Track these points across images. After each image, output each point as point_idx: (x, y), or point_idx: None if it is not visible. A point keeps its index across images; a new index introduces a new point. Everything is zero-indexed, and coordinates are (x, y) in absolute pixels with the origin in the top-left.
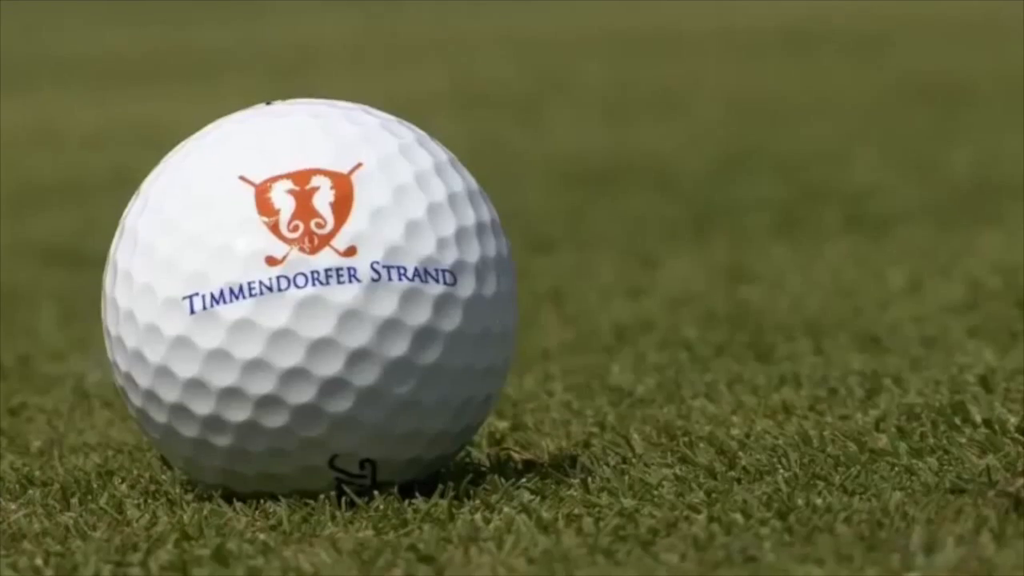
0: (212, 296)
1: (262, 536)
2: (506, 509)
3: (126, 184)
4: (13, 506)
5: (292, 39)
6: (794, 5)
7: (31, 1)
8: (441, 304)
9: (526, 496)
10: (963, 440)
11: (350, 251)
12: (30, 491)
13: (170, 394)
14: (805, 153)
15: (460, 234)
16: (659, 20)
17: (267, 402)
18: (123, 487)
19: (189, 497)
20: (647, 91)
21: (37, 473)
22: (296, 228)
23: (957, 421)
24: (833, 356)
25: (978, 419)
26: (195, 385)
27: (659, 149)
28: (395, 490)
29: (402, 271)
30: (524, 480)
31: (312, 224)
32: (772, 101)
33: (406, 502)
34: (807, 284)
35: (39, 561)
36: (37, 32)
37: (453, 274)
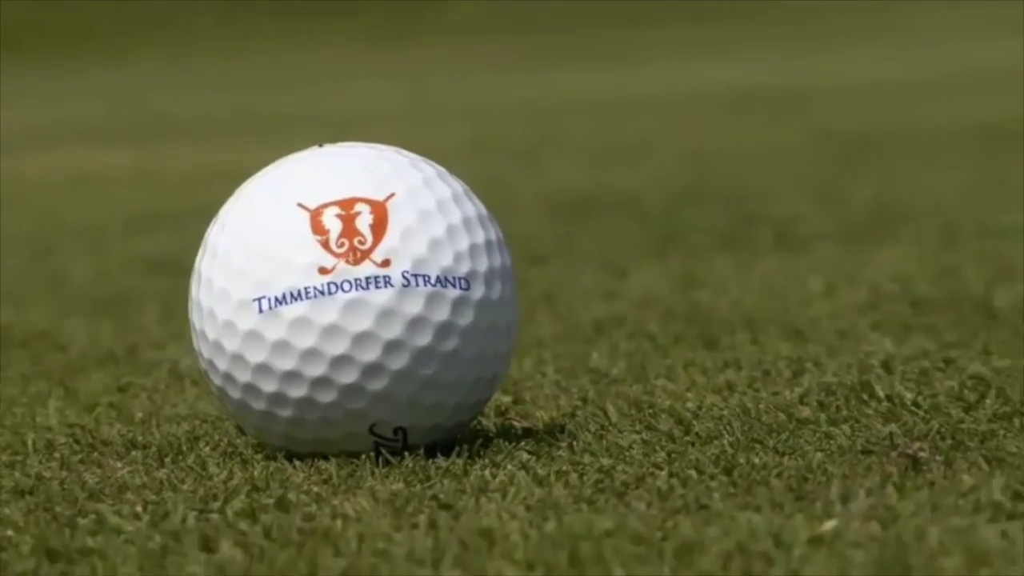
0: (276, 298)
1: (316, 488)
2: (508, 466)
3: (212, 212)
4: (119, 464)
5: (346, 102)
6: (736, 74)
7: (143, 70)
8: (458, 304)
9: (524, 456)
10: (870, 412)
11: (385, 263)
12: (133, 452)
13: (243, 376)
14: (743, 189)
15: (472, 249)
16: (631, 87)
17: (319, 382)
18: (206, 449)
19: (258, 457)
20: (622, 142)
21: (139, 438)
22: (343, 245)
23: (865, 396)
24: (766, 345)
25: (881, 395)
26: (263, 369)
27: (630, 186)
28: (421, 451)
29: (427, 278)
30: (523, 443)
31: (355, 241)
32: (718, 149)
33: (430, 461)
34: (745, 289)
35: (139, 508)
36: (148, 94)
37: (467, 281)
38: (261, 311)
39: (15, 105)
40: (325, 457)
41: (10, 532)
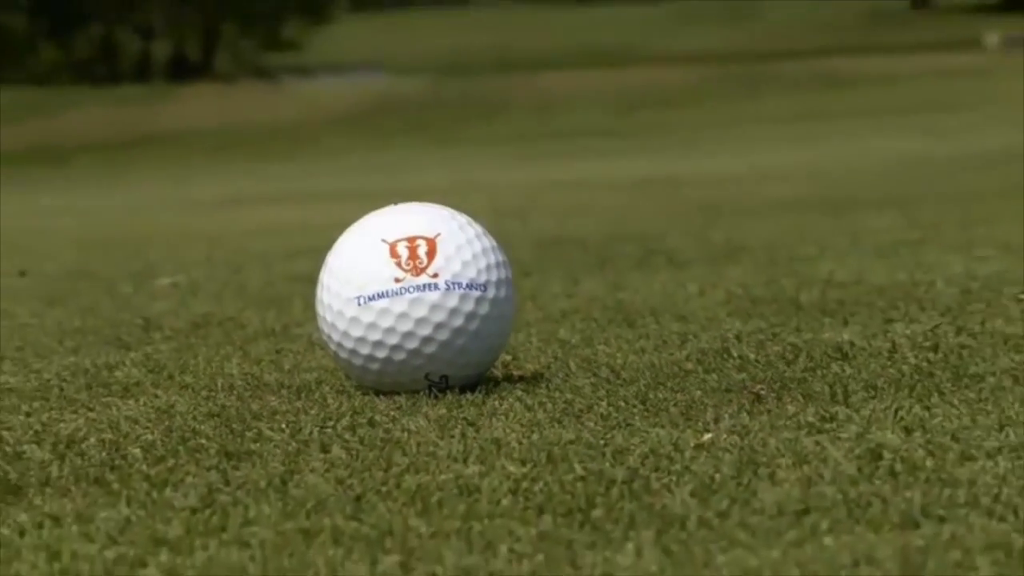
0: (368, 296)
1: (392, 412)
2: (509, 399)
3: (331, 245)
4: (273, 398)
5: (413, 182)
6: (638, 168)
7: (303, 165)
8: (479, 301)
9: (518, 392)
10: (729, 365)
11: (435, 275)
12: (282, 391)
13: (348, 344)
14: (646, 232)
15: (487, 267)
16: (576, 175)
17: (394, 348)
18: (326, 388)
19: (357, 394)
20: (574, 206)
21: (286, 382)
22: (409, 264)
23: (725, 356)
24: (664, 325)
25: (736, 355)
26: (360, 340)
27: (579, 232)
28: (456, 389)
29: (460, 284)
30: (517, 385)
31: (416, 262)
32: (631, 209)
33: (462, 395)
34: (649, 291)
35: (283, 426)
36: (308, 179)
37: (485, 286)
38: (359, 304)
39: (236, 182)
40: (397, 393)
41: (203, 441)
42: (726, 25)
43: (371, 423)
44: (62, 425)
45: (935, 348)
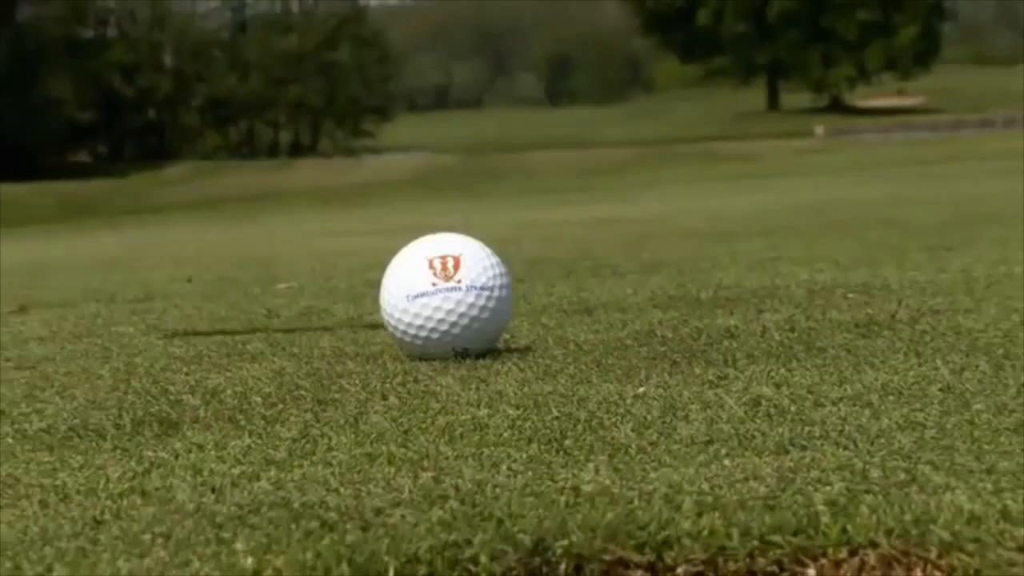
0: (414, 295)
1: (429, 372)
2: (508, 362)
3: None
4: (351, 363)
5: (441, 222)
6: (595, 211)
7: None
8: (489, 298)
9: (515, 358)
10: (655, 342)
11: (459, 281)
12: (356, 357)
13: (400, 326)
14: (597, 254)
15: (495, 276)
16: (550, 216)
17: (432, 330)
18: (386, 357)
19: (406, 359)
20: (550, 237)
21: (359, 352)
22: (441, 273)
23: (652, 336)
24: (612, 315)
25: (659, 335)
26: (408, 324)
27: (555, 254)
28: (474, 356)
29: (476, 287)
30: (514, 353)
31: (447, 272)
32: (589, 241)
33: (477, 360)
34: (602, 292)
35: (355, 379)
36: (414, 217)
37: (492, 288)
38: (408, 300)
39: (330, 221)
40: (433, 359)
41: (303, 392)
42: (648, 120)
43: (415, 380)
44: (208, 381)
45: (792, 329)
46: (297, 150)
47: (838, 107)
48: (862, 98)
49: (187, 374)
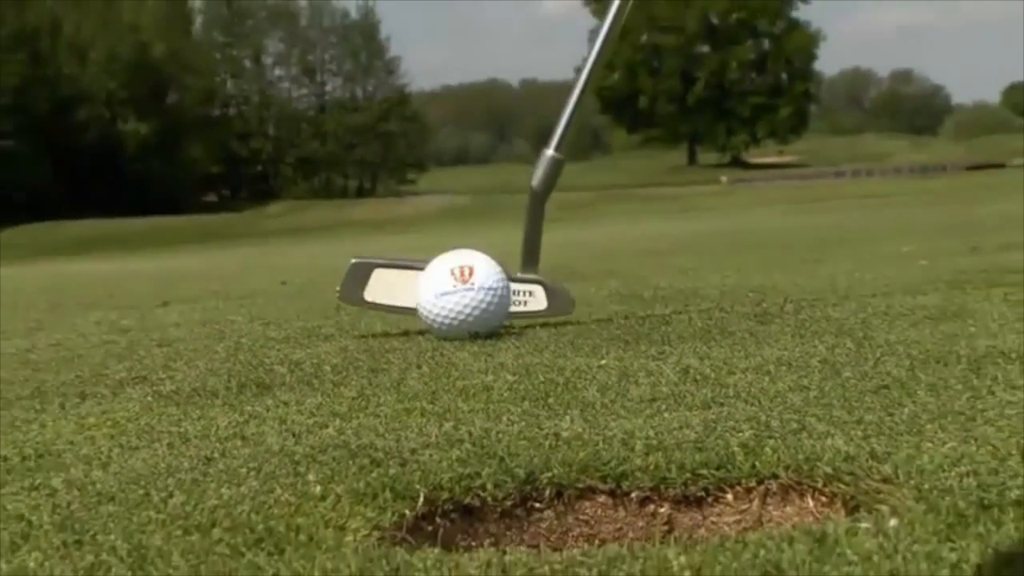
0: (439, 293)
1: (451, 348)
2: (508, 341)
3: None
4: (395, 341)
5: (459, 243)
6: (568, 237)
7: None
8: (495, 295)
9: (512, 339)
10: (613, 327)
11: (473, 283)
12: (400, 337)
13: (430, 317)
14: (571, 266)
15: (498, 280)
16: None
17: (453, 319)
18: (419, 337)
19: (435, 339)
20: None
21: (394, 332)
22: (459, 278)
23: (610, 322)
24: (579, 308)
25: (616, 322)
26: (437, 315)
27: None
28: (483, 337)
29: (485, 288)
30: (512, 335)
31: (463, 277)
32: (564, 255)
33: (485, 340)
34: (572, 291)
35: (399, 355)
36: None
37: (496, 289)
38: (436, 297)
39: (384, 243)
40: (454, 339)
41: (360, 363)
42: (605, 172)
43: (441, 354)
44: (293, 355)
45: (710, 318)
46: (360, 193)
47: (737, 163)
48: (754, 157)
49: (278, 350)
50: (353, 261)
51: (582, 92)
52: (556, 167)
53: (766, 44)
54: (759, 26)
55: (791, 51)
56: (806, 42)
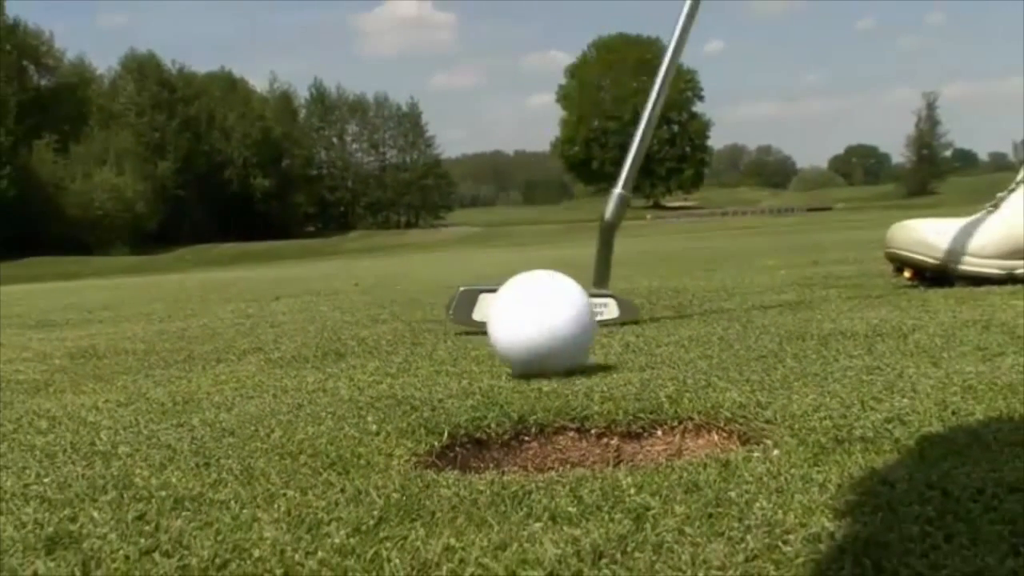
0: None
1: (467, 335)
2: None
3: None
4: (441, 345)
5: (474, 263)
6: (551, 254)
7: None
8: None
9: None
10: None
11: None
12: (427, 323)
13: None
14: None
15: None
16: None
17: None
18: (446, 322)
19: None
20: (524, 267)
21: (429, 318)
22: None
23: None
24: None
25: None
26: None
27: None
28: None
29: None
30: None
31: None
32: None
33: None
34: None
35: (433, 337)
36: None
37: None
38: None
39: (417, 258)
40: (471, 335)
41: (404, 339)
42: (570, 211)
43: (461, 339)
44: (360, 333)
45: (643, 308)
46: (408, 225)
47: (657, 206)
48: (668, 202)
49: (350, 330)
50: (461, 289)
51: (642, 140)
52: (623, 203)
53: (675, 128)
54: (671, 116)
55: (692, 132)
56: (701, 127)
